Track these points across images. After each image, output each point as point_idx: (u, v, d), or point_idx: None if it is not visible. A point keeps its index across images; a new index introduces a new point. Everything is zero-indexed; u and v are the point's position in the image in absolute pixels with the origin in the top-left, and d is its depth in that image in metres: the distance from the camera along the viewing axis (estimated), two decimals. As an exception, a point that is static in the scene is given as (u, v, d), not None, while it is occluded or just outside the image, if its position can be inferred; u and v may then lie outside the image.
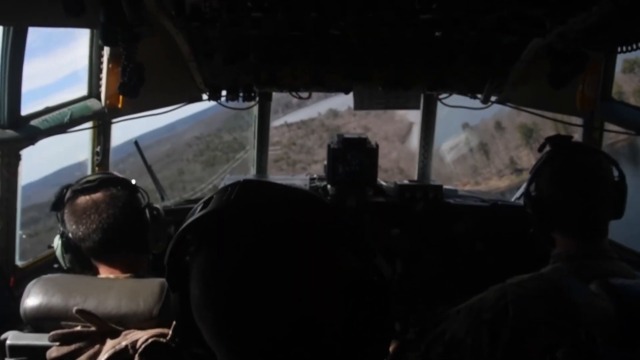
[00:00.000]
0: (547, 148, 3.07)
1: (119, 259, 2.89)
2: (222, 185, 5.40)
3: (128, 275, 2.85)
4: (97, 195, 2.84)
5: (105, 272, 2.89)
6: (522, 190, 6.06)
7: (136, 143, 5.74)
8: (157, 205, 3.13)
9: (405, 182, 5.54)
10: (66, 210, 2.89)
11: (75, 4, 3.22)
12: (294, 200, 1.38)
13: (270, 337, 1.28)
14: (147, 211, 3.02)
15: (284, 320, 1.27)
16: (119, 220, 2.84)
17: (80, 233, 2.83)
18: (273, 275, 1.27)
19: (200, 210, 1.36)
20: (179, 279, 1.43)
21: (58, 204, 2.93)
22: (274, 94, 5.91)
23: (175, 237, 1.39)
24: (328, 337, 1.33)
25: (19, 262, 4.16)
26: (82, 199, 2.84)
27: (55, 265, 3.02)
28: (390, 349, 2.68)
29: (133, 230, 2.92)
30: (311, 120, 41.46)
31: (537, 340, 2.38)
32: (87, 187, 2.85)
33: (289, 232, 1.30)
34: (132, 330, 2.46)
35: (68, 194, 2.88)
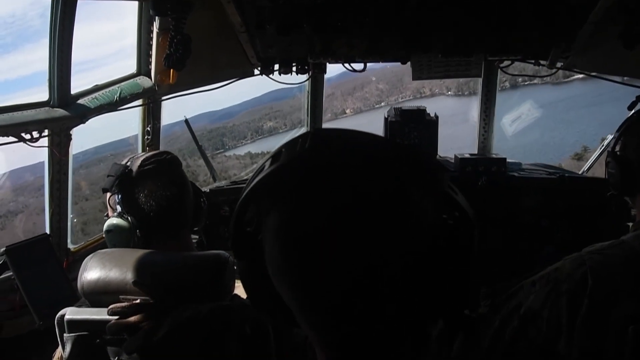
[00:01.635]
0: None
1: (175, 239, 2.85)
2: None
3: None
4: (157, 178, 2.79)
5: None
6: (590, 161, 5.85)
7: (186, 121, 5.69)
8: (208, 187, 3.08)
9: (466, 155, 5.35)
10: (124, 193, 2.81)
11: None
12: (368, 147, 1.26)
13: (358, 288, 1.19)
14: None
15: (373, 269, 1.18)
16: (177, 202, 2.81)
17: (145, 212, 2.77)
18: (357, 226, 1.16)
19: (270, 166, 1.24)
20: (247, 247, 1.33)
21: (118, 185, 2.82)
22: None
23: (243, 197, 1.28)
24: (413, 284, 1.24)
25: (71, 246, 4.15)
26: (142, 181, 2.79)
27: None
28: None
29: (189, 210, 2.91)
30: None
31: (618, 310, 2.27)
32: (146, 170, 2.79)
33: (366, 179, 1.19)
34: (191, 304, 2.39)
35: (135, 173, 2.80)
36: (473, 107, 6.54)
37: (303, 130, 6.67)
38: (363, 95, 33.45)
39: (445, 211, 1.28)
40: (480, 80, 6.07)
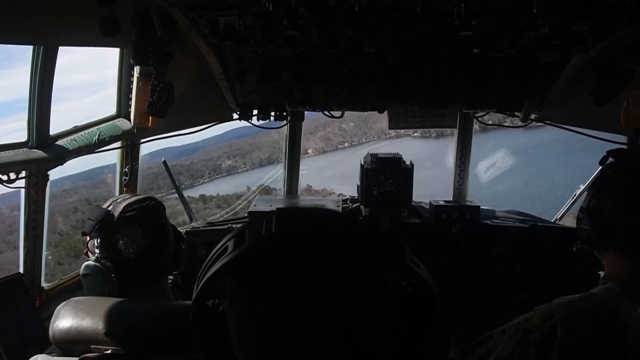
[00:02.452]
0: (610, 160, 2.91)
1: (153, 285, 2.83)
2: (252, 206, 5.35)
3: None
4: (138, 225, 2.75)
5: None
6: (563, 210, 5.92)
7: (165, 162, 5.69)
8: (185, 228, 3.07)
9: (441, 202, 5.41)
10: (104, 238, 2.76)
11: (111, 25, 3.18)
12: (331, 226, 1.32)
13: None
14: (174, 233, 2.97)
15: (337, 344, 1.23)
16: (157, 250, 2.78)
17: (118, 259, 2.72)
18: (321, 304, 1.23)
19: (234, 249, 1.29)
20: (209, 321, 1.40)
21: (97, 230, 2.77)
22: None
23: (206, 279, 1.32)
24: (379, 354, 1.28)
25: (44, 284, 4.13)
26: (122, 228, 2.74)
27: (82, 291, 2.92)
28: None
29: (168, 256, 2.88)
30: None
31: None
32: (128, 217, 2.74)
33: (330, 259, 1.24)
34: (163, 355, 2.38)
35: (117, 218, 2.76)
36: (441, 149, 6.64)
37: (278, 169, 6.70)
38: (325, 135, 33.22)
39: (406, 280, 1.35)
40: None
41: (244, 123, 5.54)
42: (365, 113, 5.44)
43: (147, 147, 5.12)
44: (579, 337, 2.34)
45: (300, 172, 6.49)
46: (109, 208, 2.80)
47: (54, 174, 4.02)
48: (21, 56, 3.80)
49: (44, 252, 4.14)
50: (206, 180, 29.70)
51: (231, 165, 30.25)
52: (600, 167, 2.92)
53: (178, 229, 3.07)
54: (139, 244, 2.72)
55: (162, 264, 2.86)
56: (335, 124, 31.47)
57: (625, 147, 4.73)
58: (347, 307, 1.24)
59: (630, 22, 3.49)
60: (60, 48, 3.76)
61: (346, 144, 32.85)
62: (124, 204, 2.78)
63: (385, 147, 5.58)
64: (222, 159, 30.56)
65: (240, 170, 29.61)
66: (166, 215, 2.92)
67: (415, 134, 29.45)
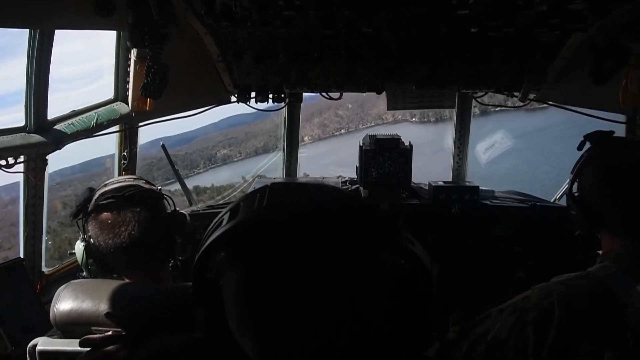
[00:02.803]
0: (587, 145, 2.92)
1: (143, 272, 2.80)
2: (251, 188, 5.36)
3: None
4: (123, 212, 2.70)
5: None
6: (562, 190, 5.93)
7: (163, 146, 5.69)
8: (184, 211, 3.04)
9: (440, 183, 5.42)
10: (91, 221, 2.75)
11: (106, 5, 3.17)
12: (325, 203, 1.33)
13: (316, 341, 1.25)
14: (173, 219, 2.94)
15: (328, 323, 1.24)
16: (143, 238, 2.70)
17: (104, 246, 2.70)
18: (313, 282, 1.23)
19: (229, 221, 1.29)
20: (208, 294, 1.39)
21: (79, 213, 2.80)
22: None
23: (202, 251, 1.34)
24: (373, 333, 1.30)
25: (45, 269, 4.14)
26: (107, 215, 2.71)
27: (82, 273, 2.92)
28: (432, 349, 2.61)
29: (158, 245, 2.81)
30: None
31: (584, 344, 2.32)
32: (112, 203, 2.71)
33: (323, 236, 1.24)
34: (163, 336, 2.39)
35: (92, 205, 2.74)
36: (440, 134, 6.64)
37: (272, 157, 6.70)
38: (322, 121, 32.52)
39: (404, 259, 1.34)
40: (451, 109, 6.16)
41: (240, 111, 5.54)
42: (363, 97, 5.44)
43: (144, 136, 5.12)
44: (576, 315, 2.35)
45: (300, 155, 6.51)
46: (93, 191, 2.81)
47: (51, 164, 4.03)
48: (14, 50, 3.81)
49: (44, 237, 4.15)
50: (201, 170, 29.14)
51: (226, 155, 29.70)
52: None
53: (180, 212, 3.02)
54: (111, 233, 2.68)
55: (146, 254, 2.77)
56: (331, 110, 31.20)
57: (624, 125, 4.74)
58: (342, 288, 1.24)
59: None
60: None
61: (343, 131, 32.17)
62: (102, 190, 2.76)
63: (383, 133, 5.56)
64: (217, 148, 30.10)
65: (235, 160, 29.06)
66: (154, 204, 2.83)
67: (414, 119, 29.11)
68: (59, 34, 3.75)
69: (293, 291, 1.22)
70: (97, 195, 2.77)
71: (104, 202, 2.70)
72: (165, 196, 2.97)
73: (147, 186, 2.85)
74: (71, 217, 2.84)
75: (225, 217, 1.31)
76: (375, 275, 1.29)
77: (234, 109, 5.50)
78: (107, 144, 4.95)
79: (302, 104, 6.07)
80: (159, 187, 2.97)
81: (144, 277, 2.78)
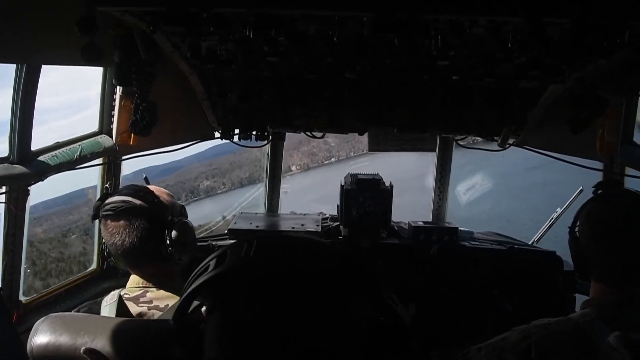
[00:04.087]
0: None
1: (144, 270, 3.12)
2: (232, 224, 5.37)
3: (156, 277, 3.10)
4: (119, 222, 3.03)
5: (135, 273, 3.14)
6: (540, 233, 5.98)
7: (146, 179, 5.70)
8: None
9: (420, 223, 5.45)
10: (101, 225, 3.12)
11: (93, 53, 3.22)
12: (308, 258, 1.38)
13: None
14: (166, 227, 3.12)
15: None
16: (135, 245, 3.01)
17: (110, 247, 3.08)
18: (292, 330, 1.28)
19: (215, 268, 1.35)
20: (188, 334, 1.46)
21: (95, 217, 3.15)
22: None
23: (187, 295, 1.39)
24: None
25: (22, 298, 4.13)
26: (108, 222, 3.05)
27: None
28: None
29: (149, 251, 3.06)
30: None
31: None
32: (109, 214, 3.04)
33: (304, 289, 1.30)
34: None
35: (101, 212, 3.08)
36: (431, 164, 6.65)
37: (254, 192, 6.73)
38: (310, 150, 30.97)
39: (383, 315, 1.39)
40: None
41: (225, 140, 5.58)
42: None
43: (129, 167, 5.14)
44: (551, 359, 2.39)
45: (284, 191, 6.54)
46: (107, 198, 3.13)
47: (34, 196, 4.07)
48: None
49: (23, 266, 4.14)
50: (183, 204, 28.18)
51: (209, 187, 28.50)
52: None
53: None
54: (113, 240, 3.03)
55: (141, 257, 3.08)
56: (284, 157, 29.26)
57: (600, 172, 4.82)
58: (319, 338, 1.29)
59: (603, 57, 3.56)
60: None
61: (333, 159, 31.10)
62: (109, 200, 3.09)
63: (375, 161, 5.61)
64: (200, 180, 29.30)
65: (219, 192, 28.01)
66: (146, 216, 3.05)
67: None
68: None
69: (271, 337, 1.27)
70: (102, 204, 3.09)
71: (105, 213, 3.05)
72: (168, 203, 3.20)
73: (138, 202, 3.06)
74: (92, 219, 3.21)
75: (212, 264, 1.37)
76: (352, 324, 1.33)
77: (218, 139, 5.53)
78: (91, 175, 4.96)
79: (291, 133, 6.12)
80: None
81: (141, 274, 3.12)
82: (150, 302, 3.01)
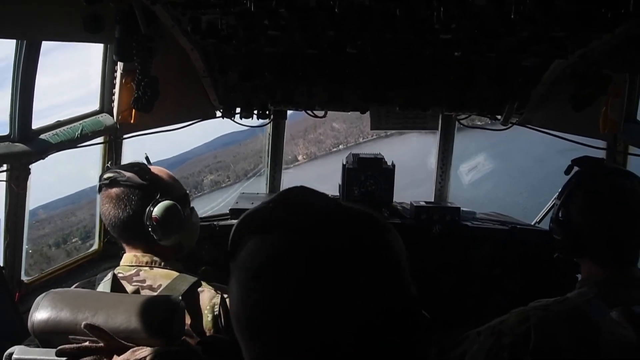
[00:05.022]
0: (575, 169, 2.94)
1: (136, 248, 3.11)
2: (234, 203, 5.37)
3: (148, 256, 3.07)
4: (109, 192, 3.03)
5: (129, 252, 3.12)
6: (542, 213, 5.97)
7: (147, 158, 5.69)
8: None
9: (422, 203, 5.45)
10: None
11: (95, 22, 3.20)
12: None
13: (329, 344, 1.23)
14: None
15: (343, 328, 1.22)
16: (122, 218, 3.02)
17: (103, 218, 3.11)
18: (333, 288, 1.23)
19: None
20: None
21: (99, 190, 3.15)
22: None
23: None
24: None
25: (24, 278, 4.13)
26: (102, 193, 3.06)
27: None
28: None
29: (137, 226, 3.03)
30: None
31: None
32: (102, 185, 3.06)
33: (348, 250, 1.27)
34: (140, 347, 2.42)
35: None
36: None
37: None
38: (317, 137, 29.54)
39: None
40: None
41: (230, 129, 5.56)
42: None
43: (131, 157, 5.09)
44: (551, 341, 2.39)
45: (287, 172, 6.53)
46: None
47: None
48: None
49: (25, 246, 4.14)
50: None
51: (214, 181, 27.84)
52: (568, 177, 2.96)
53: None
54: (107, 214, 3.03)
55: (130, 232, 3.07)
56: (327, 123, 27.85)
57: (604, 150, 4.80)
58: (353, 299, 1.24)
59: (607, 30, 3.54)
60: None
61: (341, 146, 28.78)
62: (105, 174, 3.08)
63: (386, 146, 5.56)
64: (204, 174, 27.98)
65: (224, 185, 26.65)
66: (134, 187, 3.04)
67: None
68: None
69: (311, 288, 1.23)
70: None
71: (100, 183, 3.07)
72: (154, 184, 3.11)
73: (129, 174, 3.05)
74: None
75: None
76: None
77: (225, 128, 5.49)
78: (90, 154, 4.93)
79: (296, 119, 6.11)
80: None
81: (134, 253, 3.10)
82: (144, 281, 3.00)
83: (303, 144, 28.98)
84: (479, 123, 6.50)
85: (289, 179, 6.49)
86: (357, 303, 1.23)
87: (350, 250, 1.27)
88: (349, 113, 5.51)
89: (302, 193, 1.40)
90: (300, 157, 28.06)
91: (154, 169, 3.20)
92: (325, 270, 1.23)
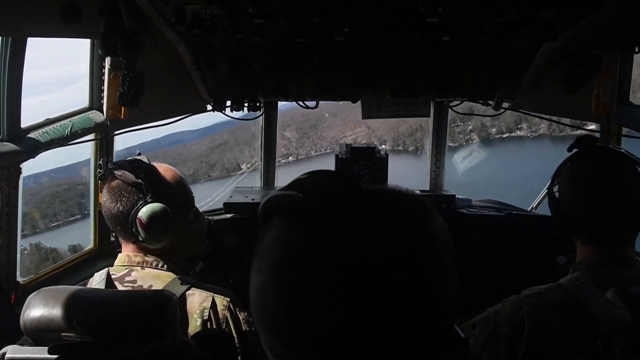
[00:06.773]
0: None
1: (128, 241, 3.13)
2: (228, 198, 5.34)
3: (140, 256, 3.10)
4: (106, 185, 3.10)
5: (124, 249, 3.17)
6: (538, 198, 5.96)
7: (139, 154, 5.68)
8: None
9: (417, 191, 5.42)
10: None
11: (73, 11, 3.18)
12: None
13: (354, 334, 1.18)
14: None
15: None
16: (117, 213, 3.05)
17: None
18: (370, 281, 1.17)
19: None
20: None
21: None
22: None
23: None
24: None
25: (20, 279, 4.11)
26: (105, 184, 3.12)
27: None
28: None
29: (125, 224, 3.04)
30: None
31: (554, 353, 2.35)
32: (105, 174, 3.16)
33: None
34: (132, 342, 2.41)
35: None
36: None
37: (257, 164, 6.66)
38: None
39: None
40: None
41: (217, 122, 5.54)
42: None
43: (121, 144, 5.08)
44: (546, 329, 2.40)
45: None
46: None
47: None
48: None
49: (19, 246, 4.12)
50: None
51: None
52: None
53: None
54: (103, 202, 3.11)
55: (112, 225, 3.12)
56: (277, 131, 25.84)
57: (597, 134, 4.79)
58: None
59: (594, 7, 3.52)
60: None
61: (291, 158, 27.90)
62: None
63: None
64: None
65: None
66: (127, 183, 3.05)
67: (384, 146, 24.98)
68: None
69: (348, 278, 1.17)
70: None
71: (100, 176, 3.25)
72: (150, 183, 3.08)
73: (122, 172, 3.05)
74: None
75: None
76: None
77: (206, 120, 5.46)
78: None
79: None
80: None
81: (124, 246, 3.16)
82: (135, 281, 3.00)
83: (248, 151, 26.98)
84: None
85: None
86: (377, 320, 1.18)
87: (371, 263, 1.18)
88: (302, 121, 5.53)
89: (337, 180, 1.33)
90: (244, 166, 25.45)
91: (160, 167, 3.19)
92: (337, 276, 1.17)
